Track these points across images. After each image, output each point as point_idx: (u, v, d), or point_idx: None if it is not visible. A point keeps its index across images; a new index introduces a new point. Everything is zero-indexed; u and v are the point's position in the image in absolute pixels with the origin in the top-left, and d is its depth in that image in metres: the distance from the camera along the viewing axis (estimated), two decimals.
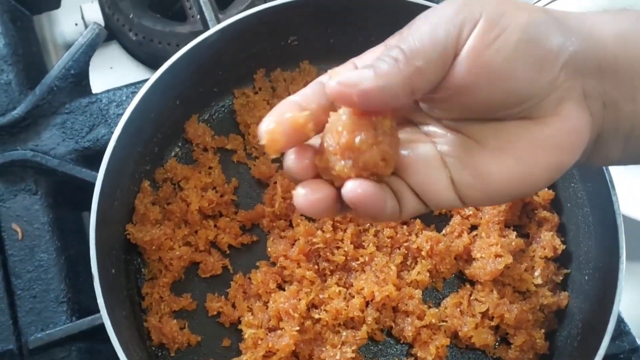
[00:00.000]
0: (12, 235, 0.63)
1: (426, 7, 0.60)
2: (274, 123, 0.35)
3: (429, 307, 0.62)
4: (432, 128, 0.39)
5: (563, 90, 0.35)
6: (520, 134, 0.36)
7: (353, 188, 0.35)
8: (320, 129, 0.37)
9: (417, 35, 0.34)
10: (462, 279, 0.64)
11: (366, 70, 0.34)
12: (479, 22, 0.33)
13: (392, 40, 0.35)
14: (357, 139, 0.35)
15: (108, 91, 0.70)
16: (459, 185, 0.38)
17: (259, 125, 0.36)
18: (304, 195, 0.36)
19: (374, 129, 0.35)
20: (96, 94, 0.70)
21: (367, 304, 0.60)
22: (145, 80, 0.60)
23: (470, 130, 0.37)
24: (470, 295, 0.62)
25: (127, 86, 0.70)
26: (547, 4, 0.79)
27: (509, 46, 0.33)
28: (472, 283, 0.63)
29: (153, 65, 0.80)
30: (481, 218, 0.64)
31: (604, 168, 0.58)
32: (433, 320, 0.60)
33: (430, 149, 0.38)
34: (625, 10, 0.37)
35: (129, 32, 0.80)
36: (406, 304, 0.60)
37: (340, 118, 0.36)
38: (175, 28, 0.78)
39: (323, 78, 0.38)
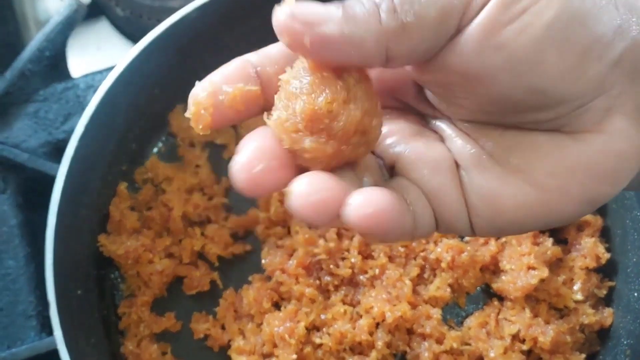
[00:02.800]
0: None
1: None
2: (208, 93, 0.27)
3: (450, 327, 0.53)
4: (441, 124, 0.30)
5: (613, 97, 0.26)
6: (548, 151, 0.27)
7: (360, 205, 0.24)
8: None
9: None
10: (488, 294, 0.56)
11: (334, 8, 0.24)
12: None
13: None
14: (321, 99, 0.25)
15: (86, 75, 0.61)
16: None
17: (192, 91, 0.27)
18: (303, 195, 0.25)
19: (345, 89, 0.26)
20: (73, 79, 0.62)
21: (377, 325, 0.52)
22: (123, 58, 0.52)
23: (485, 139, 0.28)
24: (498, 313, 0.54)
25: (108, 69, 0.61)
26: None
27: (539, 26, 0.24)
28: (501, 299, 0.55)
29: None
30: None
31: None
32: (454, 345, 0.51)
33: (440, 149, 0.29)
34: None
35: (116, 7, 0.72)
36: (423, 325, 0.52)
37: (297, 75, 0.26)
38: (165, 2, 0.70)
39: (249, 56, 0.29)
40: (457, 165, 0.28)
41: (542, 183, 0.27)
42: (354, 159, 0.27)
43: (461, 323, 0.54)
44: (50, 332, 0.52)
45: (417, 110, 0.31)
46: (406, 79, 0.30)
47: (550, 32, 0.24)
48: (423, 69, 0.27)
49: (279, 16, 0.25)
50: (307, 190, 0.25)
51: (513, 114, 0.27)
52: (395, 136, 0.30)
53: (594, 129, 0.26)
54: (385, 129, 0.30)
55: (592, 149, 0.26)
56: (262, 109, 0.28)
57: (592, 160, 0.26)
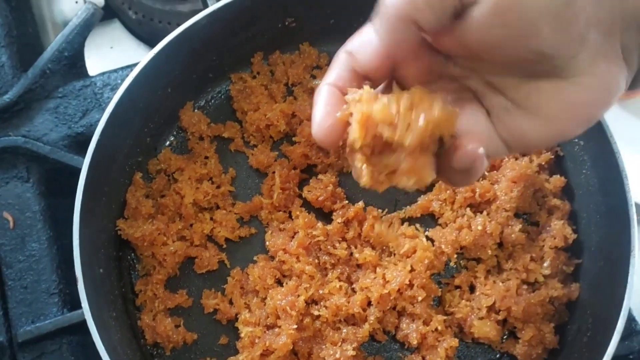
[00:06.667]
0: (4, 224, 0.57)
1: None
2: (326, 129, 0.33)
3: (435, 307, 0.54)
4: (472, 82, 0.36)
5: (594, 48, 0.32)
6: (552, 95, 0.33)
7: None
8: None
9: None
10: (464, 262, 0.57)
11: None
12: None
13: None
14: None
15: (103, 74, 0.63)
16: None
17: (312, 129, 0.34)
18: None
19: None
20: (91, 77, 0.63)
21: (370, 303, 0.53)
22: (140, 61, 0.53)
23: (506, 89, 0.35)
24: (475, 279, 0.55)
25: (122, 68, 0.63)
26: None
27: (536, 8, 0.29)
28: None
29: (155, 44, 0.73)
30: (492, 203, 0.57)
31: (616, 155, 0.51)
32: (439, 327, 0.53)
33: (476, 106, 0.36)
34: None
35: (128, 10, 0.72)
36: (413, 306, 0.53)
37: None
38: (175, 6, 0.70)
39: (345, 50, 0.36)
40: (488, 113, 0.35)
41: (553, 116, 0.33)
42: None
43: (439, 282, 0.56)
44: (71, 309, 0.54)
45: (451, 73, 0.37)
46: (441, 60, 0.36)
47: (542, 14, 0.29)
48: (452, 45, 0.33)
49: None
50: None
51: (524, 66, 0.33)
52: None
53: (584, 72, 0.32)
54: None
55: (585, 87, 0.32)
56: None
57: (588, 94, 0.33)
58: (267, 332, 0.52)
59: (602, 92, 0.33)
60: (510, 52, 0.31)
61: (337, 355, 0.51)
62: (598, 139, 0.52)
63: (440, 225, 0.57)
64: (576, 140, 0.56)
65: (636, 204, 0.59)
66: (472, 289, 0.56)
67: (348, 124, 0.33)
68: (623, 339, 0.54)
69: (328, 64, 0.63)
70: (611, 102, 0.34)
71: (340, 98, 0.34)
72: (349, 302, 0.52)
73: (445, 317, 0.53)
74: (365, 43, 0.34)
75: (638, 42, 0.32)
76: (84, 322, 0.50)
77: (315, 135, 0.34)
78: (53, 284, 0.55)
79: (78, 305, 0.51)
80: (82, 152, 0.55)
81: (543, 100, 0.33)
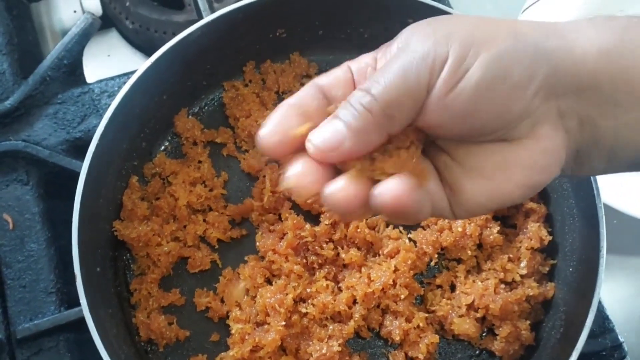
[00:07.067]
0: (3, 225, 0.58)
1: (410, 0, 0.55)
2: (273, 135, 0.33)
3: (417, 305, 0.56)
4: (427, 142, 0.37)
5: (537, 115, 0.32)
6: (493, 155, 0.33)
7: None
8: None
9: (390, 81, 0.31)
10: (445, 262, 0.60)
11: (340, 126, 0.31)
12: (447, 61, 0.31)
13: (366, 83, 0.32)
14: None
15: (100, 81, 0.64)
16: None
17: (258, 132, 0.33)
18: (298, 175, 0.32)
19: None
20: (89, 84, 0.65)
21: (355, 301, 0.55)
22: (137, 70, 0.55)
23: (451, 150, 0.34)
24: (455, 278, 0.58)
25: (119, 76, 0.65)
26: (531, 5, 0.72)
27: (469, 88, 0.30)
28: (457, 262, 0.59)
29: (151, 53, 0.74)
30: None
31: None
32: (421, 324, 0.55)
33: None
34: (613, 19, 0.33)
35: (125, 20, 0.74)
36: (396, 304, 0.55)
37: None
38: (171, 17, 0.72)
39: (318, 80, 0.35)
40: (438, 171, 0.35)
41: (491, 175, 0.33)
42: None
43: (421, 282, 0.58)
44: (68, 307, 0.55)
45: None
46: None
47: (478, 91, 0.30)
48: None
49: (311, 150, 0.32)
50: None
51: (467, 138, 0.33)
52: None
53: (526, 136, 0.32)
54: None
55: (526, 149, 0.32)
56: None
57: (526, 156, 0.33)
58: (256, 329, 0.54)
59: (541, 155, 0.33)
60: (455, 128, 0.32)
61: (324, 351, 0.52)
62: None
63: (422, 227, 0.59)
64: None
65: (610, 207, 0.62)
66: (452, 288, 0.58)
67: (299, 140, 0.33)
68: (596, 336, 0.57)
69: (317, 73, 0.66)
70: (551, 169, 0.33)
71: (296, 116, 0.33)
72: (335, 300, 0.54)
73: (427, 315, 0.56)
74: (339, 79, 0.35)
75: (576, 110, 0.32)
76: (80, 320, 0.52)
77: (260, 145, 0.33)
78: (51, 283, 0.56)
79: (75, 304, 0.54)
80: (80, 156, 0.57)
81: (486, 158, 0.33)
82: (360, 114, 0.31)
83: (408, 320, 0.55)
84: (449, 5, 0.69)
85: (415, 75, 0.30)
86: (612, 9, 0.71)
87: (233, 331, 0.54)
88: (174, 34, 0.64)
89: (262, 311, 0.54)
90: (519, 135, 0.32)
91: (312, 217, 0.59)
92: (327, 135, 0.31)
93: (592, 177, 0.53)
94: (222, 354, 0.55)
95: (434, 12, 0.58)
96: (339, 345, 0.53)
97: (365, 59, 0.35)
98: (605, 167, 0.35)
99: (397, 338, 0.54)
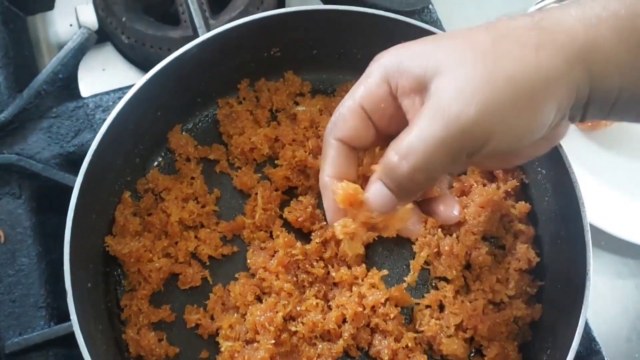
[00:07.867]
0: None
1: (402, 23, 0.56)
2: (344, 223, 0.42)
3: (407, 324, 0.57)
4: None
5: (558, 123, 0.40)
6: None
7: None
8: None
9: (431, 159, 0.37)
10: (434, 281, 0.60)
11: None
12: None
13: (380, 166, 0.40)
14: None
15: (95, 96, 0.64)
16: None
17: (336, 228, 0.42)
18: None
19: None
20: (84, 98, 0.64)
21: (344, 320, 0.56)
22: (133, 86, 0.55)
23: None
24: (444, 298, 0.58)
25: (114, 91, 0.65)
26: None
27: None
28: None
29: (146, 68, 0.74)
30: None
31: (573, 184, 0.54)
32: (410, 344, 0.55)
33: None
34: None
35: (121, 35, 0.74)
36: (386, 323, 0.55)
37: None
38: (167, 32, 0.72)
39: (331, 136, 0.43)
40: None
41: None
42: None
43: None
44: (57, 322, 0.55)
45: None
46: None
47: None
48: None
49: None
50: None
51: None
52: None
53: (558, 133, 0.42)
54: None
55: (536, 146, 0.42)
56: None
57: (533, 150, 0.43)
58: (246, 346, 0.54)
59: (564, 129, 0.41)
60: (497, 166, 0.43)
61: None
62: (557, 168, 0.55)
63: (413, 244, 0.60)
64: (539, 169, 0.59)
65: (597, 228, 0.63)
66: (441, 308, 0.58)
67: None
68: (583, 357, 0.57)
69: (310, 91, 0.66)
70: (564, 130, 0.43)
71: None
72: (324, 319, 0.54)
73: (415, 335, 0.56)
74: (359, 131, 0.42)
75: (582, 105, 0.39)
76: (69, 335, 0.51)
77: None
78: (41, 297, 0.56)
79: (64, 319, 0.53)
80: (73, 171, 0.57)
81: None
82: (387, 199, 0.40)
83: (397, 340, 0.55)
84: (441, 28, 0.70)
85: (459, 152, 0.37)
86: None
87: (222, 349, 0.54)
88: (170, 50, 0.65)
89: (252, 329, 0.54)
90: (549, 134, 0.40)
91: (303, 235, 0.60)
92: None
93: (578, 200, 0.54)
94: None
95: (426, 34, 0.58)
96: None
97: (376, 91, 0.40)
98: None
99: (386, 357, 0.54)
